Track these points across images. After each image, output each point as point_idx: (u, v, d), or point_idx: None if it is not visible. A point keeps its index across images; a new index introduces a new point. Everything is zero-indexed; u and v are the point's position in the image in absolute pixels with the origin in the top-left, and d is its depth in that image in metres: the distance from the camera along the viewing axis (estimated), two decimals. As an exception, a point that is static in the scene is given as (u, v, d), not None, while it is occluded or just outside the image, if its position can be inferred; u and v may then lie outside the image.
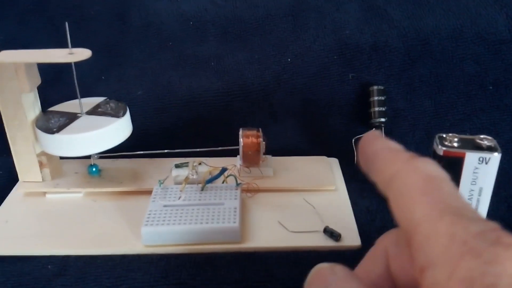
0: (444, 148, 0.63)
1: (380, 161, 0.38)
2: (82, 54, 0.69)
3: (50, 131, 0.70)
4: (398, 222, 0.34)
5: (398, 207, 0.34)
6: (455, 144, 0.63)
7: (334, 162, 0.85)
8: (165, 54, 0.96)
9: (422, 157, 0.36)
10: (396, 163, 0.36)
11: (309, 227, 0.69)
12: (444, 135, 0.65)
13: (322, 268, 0.40)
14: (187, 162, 0.76)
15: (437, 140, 0.65)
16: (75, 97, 0.77)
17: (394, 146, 0.39)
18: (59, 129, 0.70)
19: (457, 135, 0.64)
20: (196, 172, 0.74)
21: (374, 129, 0.84)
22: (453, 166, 0.63)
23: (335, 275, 0.39)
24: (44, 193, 0.77)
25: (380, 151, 0.39)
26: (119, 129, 0.72)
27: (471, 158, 0.62)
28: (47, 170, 0.77)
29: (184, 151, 0.81)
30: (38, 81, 0.73)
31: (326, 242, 0.67)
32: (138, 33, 0.98)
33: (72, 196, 0.76)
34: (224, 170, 0.74)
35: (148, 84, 0.93)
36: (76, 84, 0.73)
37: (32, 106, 0.73)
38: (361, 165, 0.41)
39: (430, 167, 0.35)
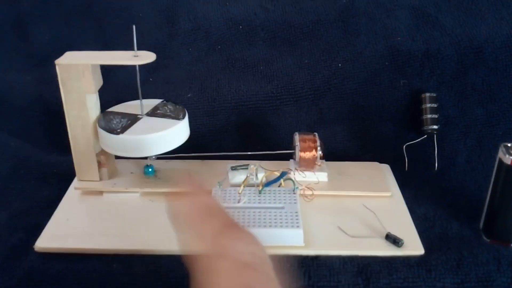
0: (512, 158, 0.63)
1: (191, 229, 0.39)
2: (147, 57, 0.70)
3: (114, 131, 0.70)
4: None
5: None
6: (522, 153, 0.64)
7: (386, 168, 0.85)
8: (213, 58, 0.96)
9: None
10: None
11: (369, 233, 0.69)
12: (510, 144, 0.65)
13: None
14: (246, 165, 0.76)
15: (503, 149, 0.65)
16: (123, 100, 0.79)
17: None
18: (123, 130, 0.71)
19: (523, 143, 0.65)
20: (257, 175, 0.74)
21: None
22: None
23: None
24: (101, 192, 0.77)
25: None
26: (181, 131, 0.73)
27: (539, 168, 0.62)
28: (105, 170, 0.77)
29: (238, 154, 0.81)
30: (101, 82, 0.74)
31: (388, 249, 0.67)
32: (186, 36, 0.98)
33: (129, 196, 0.77)
34: (284, 174, 0.74)
35: (196, 87, 0.93)
36: (139, 86, 0.73)
37: (94, 107, 0.74)
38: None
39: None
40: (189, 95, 0.92)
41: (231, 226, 0.35)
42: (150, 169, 0.79)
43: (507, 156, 0.64)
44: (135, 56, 0.70)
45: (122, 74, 0.95)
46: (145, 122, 0.74)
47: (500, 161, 0.65)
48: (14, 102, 0.97)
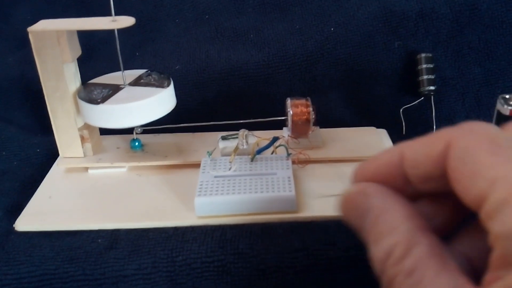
0: (510, 108, 0.60)
1: (426, 139, 0.36)
2: (126, 21, 0.67)
3: (94, 102, 0.68)
4: (461, 191, 0.32)
5: (463, 175, 0.31)
6: (520, 104, 0.61)
7: (383, 133, 0.82)
8: (201, 28, 0.94)
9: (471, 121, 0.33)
10: (447, 133, 0.34)
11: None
12: (508, 96, 0.63)
13: (351, 194, 0.40)
14: (235, 134, 0.74)
15: (501, 100, 0.62)
16: (108, 73, 0.76)
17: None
18: (103, 100, 0.68)
19: (521, 94, 0.62)
20: (247, 142, 0.72)
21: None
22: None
23: (367, 198, 0.38)
24: (86, 168, 0.75)
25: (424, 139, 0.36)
26: (165, 99, 0.70)
27: (538, 117, 0.60)
28: (88, 145, 0.74)
29: (229, 123, 0.78)
30: (79, 51, 0.71)
31: (386, 210, 0.64)
32: (173, 7, 0.96)
33: (116, 171, 0.74)
34: (275, 139, 0.71)
35: (185, 59, 0.90)
36: (119, 54, 0.70)
37: (73, 78, 0.71)
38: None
39: (488, 127, 0.33)
40: (177, 67, 0.89)
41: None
42: (136, 143, 0.76)
43: (505, 106, 0.61)
44: (113, 21, 0.66)
45: (107, 50, 0.92)
46: (128, 91, 0.71)
47: (499, 113, 0.62)
48: (-5, 84, 0.94)
